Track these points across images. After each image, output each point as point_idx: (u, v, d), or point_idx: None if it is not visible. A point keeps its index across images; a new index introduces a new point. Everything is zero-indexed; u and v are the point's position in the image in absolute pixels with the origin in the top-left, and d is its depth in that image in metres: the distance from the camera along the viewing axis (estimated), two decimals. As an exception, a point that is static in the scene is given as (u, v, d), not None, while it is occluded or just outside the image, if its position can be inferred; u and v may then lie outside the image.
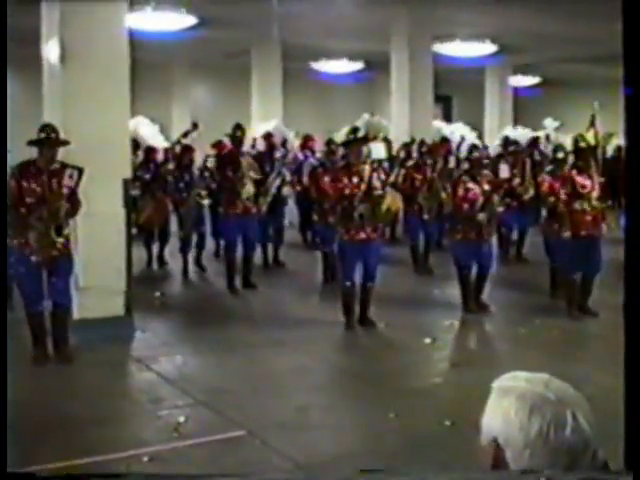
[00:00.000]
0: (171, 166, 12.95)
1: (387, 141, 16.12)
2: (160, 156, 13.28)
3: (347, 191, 8.85)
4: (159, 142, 14.59)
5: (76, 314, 8.36)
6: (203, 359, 8.23)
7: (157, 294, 10.79)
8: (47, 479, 2.89)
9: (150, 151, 13.31)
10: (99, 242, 8.24)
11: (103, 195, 8.10)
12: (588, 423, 2.01)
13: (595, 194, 9.49)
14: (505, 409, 2.03)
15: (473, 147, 10.65)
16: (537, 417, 1.99)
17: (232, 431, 6.04)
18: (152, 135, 14.54)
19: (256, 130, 14.69)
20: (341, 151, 11.58)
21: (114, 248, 8.59)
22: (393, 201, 11.78)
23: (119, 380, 7.67)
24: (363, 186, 8.86)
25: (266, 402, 6.70)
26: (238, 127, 11.46)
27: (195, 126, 13.23)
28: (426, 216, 12.42)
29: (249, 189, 11.06)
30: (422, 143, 13.70)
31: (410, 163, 13.45)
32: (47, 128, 7.67)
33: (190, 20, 16.41)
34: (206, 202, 11.55)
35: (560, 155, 10.10)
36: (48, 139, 7.60)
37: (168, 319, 9.84)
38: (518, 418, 2.01)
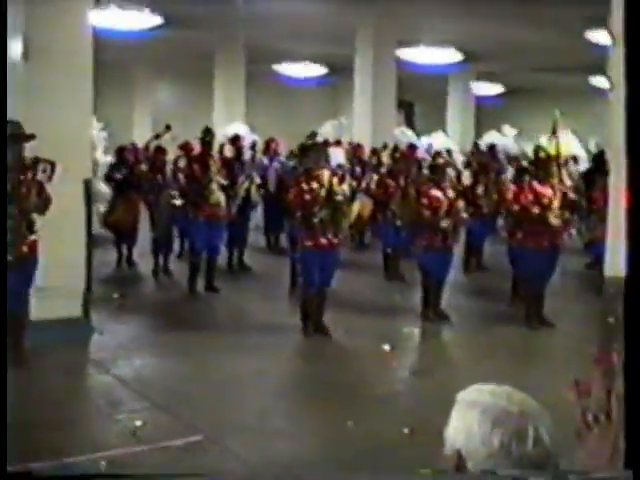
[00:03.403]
0: (144, 167, 12.88)
1: (358, 146, 16.16)
2: (132, 157, 13.20)
3: (307, 197, 8.81)
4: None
5: (33, 315, 8.25)
6: (162, 362, 8.17)
7: (115, 295, 10.69)
8: (47, 479, 2.85)
9: (122, 151, 13.25)
10: (58, 242, 8.12)
11: (63, 194, 7.98)
12: (549, 435, 2.04)
13: (556, 204, 9.53)
14: (468, 422, 2.06)
15: (436, 154, 10.70)
16: (499, 430, 2.02)
17: (190, 435, 6.01)
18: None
19: (222, 134, 14.72)
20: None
21: (73, 248, 8.50)
22: (363, 207, 11.75)
23: (76, 383, 7.59)
24: (323, 191, 8.83)
25: (225, 407, 6.68)
26: (208, 131, 11.45)
27: (168, 128, 13.16)
28: (399, 222, 12.32)
29: (217, 194, 11.02)
30: (396, 149, 13.66)
31: (383, 169, 13.40)
32: (11, 125, 7.57)
33: (155, 20, 16.33)
34: (178, 202, 11.49)
35: (523, 164, 10.15)
36: (13, 135, 7.51)
37: (128, 321, 9.74)
38: (481, 431, 2.04)
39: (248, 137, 15.45)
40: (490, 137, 18.29)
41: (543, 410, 2.09)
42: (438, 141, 18.47)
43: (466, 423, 2.05)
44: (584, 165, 16.35)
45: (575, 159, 17.60)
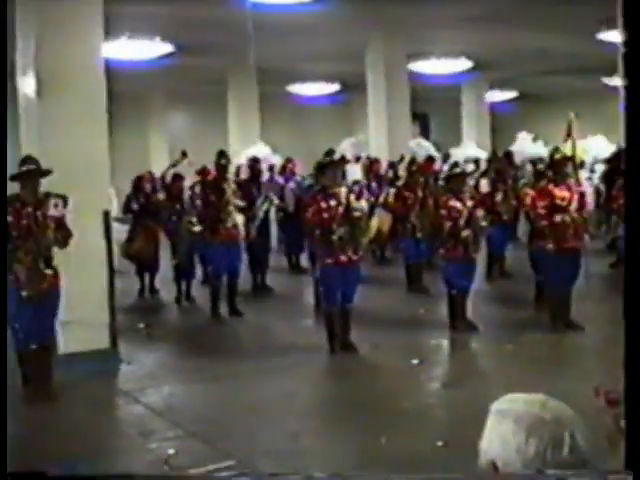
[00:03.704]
0: (161, 195, 12.88)
1: (376, 161, 16.16)
2: (149, 186, 13.16)
3: (325, 215, 8.78)
4: None
5: (60, 348, 8.27)
6: (191, 389, 8.16)
7: (141, 325, 10.70)
8: (48, 479, 2.83)
9: (140, 180, 13.21)
10: (80, 275, 8.16)
11: (83, 227, 8.01)
12: (585, 441, 2.02)
13: (574, 206, 9.46)
14: (503, 432, 2.04)
15: (454, 164, 10.65)
16: (534, 439, 2.00)
17: (223, 461, 5.98)
18: None
19: (243, 156, 14.78)
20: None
21: (96, 281, 8.53)
22: (382, 222, 11.73)
23: (107, 414, 7.57)
24: (340, 209, 8.80)
25: (256, 430, 6.64)
26: (222, 154, 11.43)
27: (184, 155, 13.17)
28: (419, 234, 12.32)
29: (234, 217, 11.02)
30: (413, 161, 13.66)
31: (400, 182, 13.40)
32: (28, 161, 7.61)
33: (166, 48, 16.40)
34: (197, 229, 11.50)
35: (540, 167, 10.11)
36: (30, 172, 7.53)
37: (154, 350, 9.74)
38: (516, 441, 2.02)
39: (270, 158, 15.51)
40: (519, 144, 18.31)
41: (578, 416, 2.07)
42: (467, 151, 18.49)
43: (500, 433, 2.03)
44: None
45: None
